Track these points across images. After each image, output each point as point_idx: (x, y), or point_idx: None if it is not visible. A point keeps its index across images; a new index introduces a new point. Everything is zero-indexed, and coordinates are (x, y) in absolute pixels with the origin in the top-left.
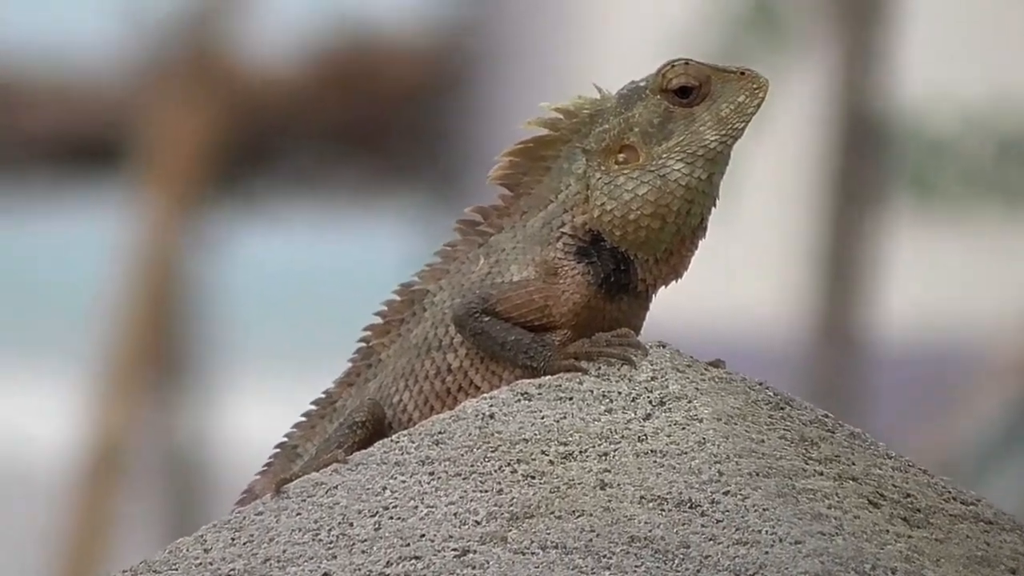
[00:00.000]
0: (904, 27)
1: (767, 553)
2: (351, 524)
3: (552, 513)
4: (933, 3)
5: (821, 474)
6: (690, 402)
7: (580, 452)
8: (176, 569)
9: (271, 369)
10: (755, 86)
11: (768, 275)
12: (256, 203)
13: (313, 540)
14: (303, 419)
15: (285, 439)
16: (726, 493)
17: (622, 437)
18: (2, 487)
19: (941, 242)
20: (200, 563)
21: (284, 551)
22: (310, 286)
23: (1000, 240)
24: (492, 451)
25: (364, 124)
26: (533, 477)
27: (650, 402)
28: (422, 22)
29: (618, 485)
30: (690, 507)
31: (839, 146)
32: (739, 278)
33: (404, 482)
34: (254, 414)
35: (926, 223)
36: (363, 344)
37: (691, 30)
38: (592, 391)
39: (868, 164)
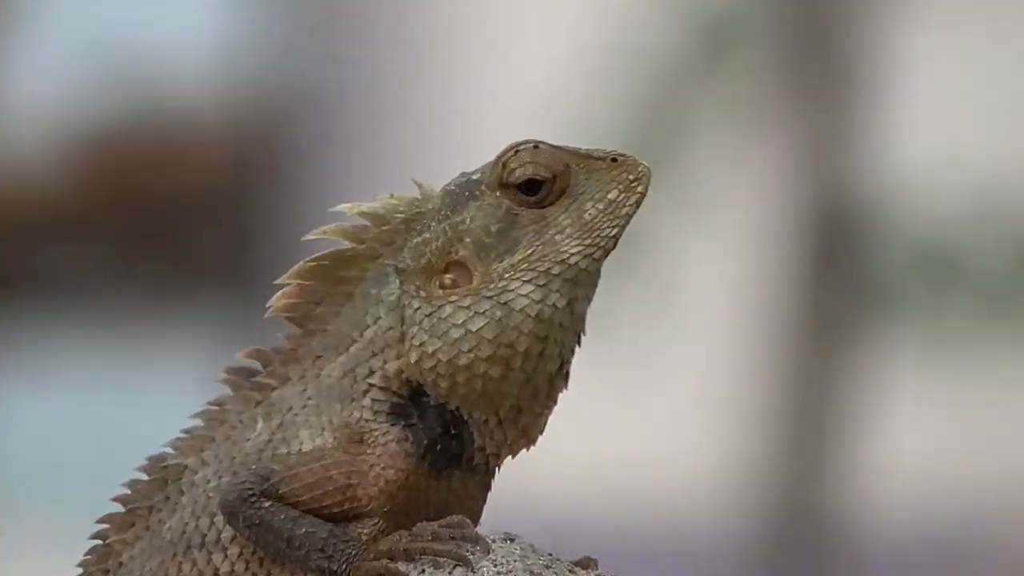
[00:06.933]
0: (894, 95)
1: None
2: None
3: None
4: (931, 63)
5: None
6: None
7: None
8: None
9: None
10: (632, 177)
11: (711, 428)
12: (9, 337)
13: None
14: None
15: None
16: None
17: None
18: None
19: (946, 380)
20: None
21: None
22: (81, 442)
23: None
24: None
25: (149, 225)
26: None
27: None
28: (231, 91)
29: None
30: None
31: (808, 250)
32: (670, 433)
33: None
34: None
35: (925, 353)
36: (98, 542)
37: (599, 97)
38: None
39: (846, 273)
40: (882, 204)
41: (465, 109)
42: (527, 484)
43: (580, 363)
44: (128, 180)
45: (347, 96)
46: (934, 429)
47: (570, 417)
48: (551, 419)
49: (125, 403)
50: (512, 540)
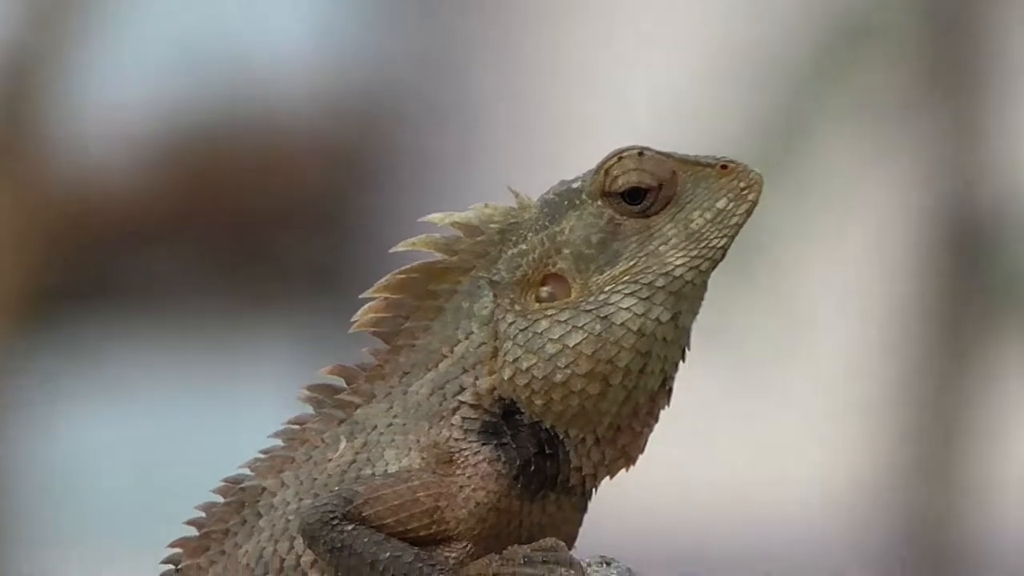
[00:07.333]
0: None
1: None
2: None
3: None
4: None
5: None
6: None
7: None
8: None
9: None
10: (743, 185)
11: (836, 441)
12: (87, 350)
13: None
14: None
15: None
16: None
17: None
18: None
19: None
20: None
21: None
22: (159, 462)
23: None
24: None
25: (239, 233)
26: None
27: None
28: (327, 96)
29: None
30: None
31: (937, 253)
32: (789, 448)
33: None
34: None
35: None
36: (170, 567)
37: (719, 102)
38: None
39: (977, 277)
40: (1016, 205)
41: (572, 118)
42: (630, 505)
43: (696, 377)
44: (218, 186)
45: (448, 103)
46: None
47: (683, 433)
48: (661, 436)
49: (206, 420)
50: (608, 564)
